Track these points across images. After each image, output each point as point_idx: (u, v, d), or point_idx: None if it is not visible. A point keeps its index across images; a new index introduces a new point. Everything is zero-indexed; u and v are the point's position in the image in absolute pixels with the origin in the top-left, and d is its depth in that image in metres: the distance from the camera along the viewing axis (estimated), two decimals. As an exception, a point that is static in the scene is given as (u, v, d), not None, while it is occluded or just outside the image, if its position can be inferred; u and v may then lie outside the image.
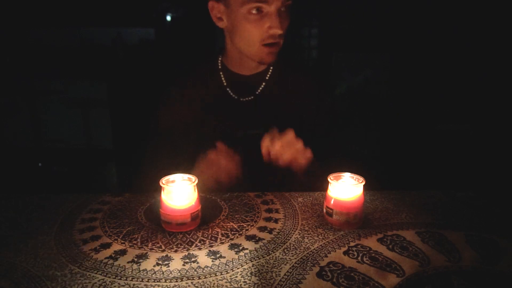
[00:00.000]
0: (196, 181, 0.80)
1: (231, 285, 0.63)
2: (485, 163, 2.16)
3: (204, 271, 0.67)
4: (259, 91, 1.12)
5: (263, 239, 0.77)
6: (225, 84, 1.12)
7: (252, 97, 1.12)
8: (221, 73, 1.12)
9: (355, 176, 0.83)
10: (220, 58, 1.14)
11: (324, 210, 0.83)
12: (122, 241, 0.76)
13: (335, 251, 0.73)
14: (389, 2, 3.01)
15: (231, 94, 1.11)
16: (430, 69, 2.90)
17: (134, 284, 0.63)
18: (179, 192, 0.79)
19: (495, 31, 2.67)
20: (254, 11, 0.95)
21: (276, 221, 0.84)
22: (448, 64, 2.84)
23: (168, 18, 3.53)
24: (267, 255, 0.71)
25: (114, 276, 0.65)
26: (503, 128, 2.47)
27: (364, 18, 3.06)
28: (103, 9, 3.27)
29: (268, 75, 1.13)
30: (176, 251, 0.73)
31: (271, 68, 1.13)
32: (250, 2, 0.95)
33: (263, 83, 1.12)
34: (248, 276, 0.65)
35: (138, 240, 0.77)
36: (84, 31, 3.38)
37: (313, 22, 3.43)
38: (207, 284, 0.63)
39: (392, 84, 3.12)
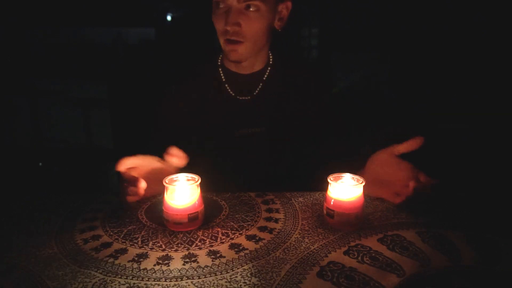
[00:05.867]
0: (199, 181, 0.80)
1: (231, 285, 0.63)
2: (485, 163, 2.16)
3: (204, 270, 0.67)
4: (257, 91, 1.12)
5: (263, 239, 0.77)
6: (223, 80, 1.12)
7: (249, 97, 1.12)
8: (220, 69, 1.13)
9: (355, 176, 0.83)
10: (220, 56, 1.14)
11: (325, 212, 0.82)
12: (123, 241, 0.76)
13: (335, 251, 0.73)
14: (389, 2, 3.01)
15: (230, 91, 1.12)
16: (429, 68, 2.90)
17: (134, 283, 0.64)
18: (179, 192, 0.79)
19: (495, 30, 2.67)
20: (219, 5, 0.99)
21: (276, 221, 0.84)
22: (448, 64, 2.85)
23: (168, 18, 3.53)
24: (267, 255, 0.71)
25: (114, 275, 0.65)
26: (503, 128, 2.47)
27: (363, 18, 3.06)
28: (103, 9, 3.27)
29: (265, 76, 1.13)
30: (176, 250, 0.73)
31: (269, 68, 1.13)
32: None
33: (261, 84, 1.12)
34: (248, 276, 0.65)
35: (139, 239, 0.77)
36: (85, 31, 3.39)
37: (313, 22, 3.43)
38: (207, 284, 0.63)
39: (391, 83, 3.13)
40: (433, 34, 2.86)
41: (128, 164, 0.83)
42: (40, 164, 3.08)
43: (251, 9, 0.98)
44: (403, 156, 0.89)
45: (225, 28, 0.98)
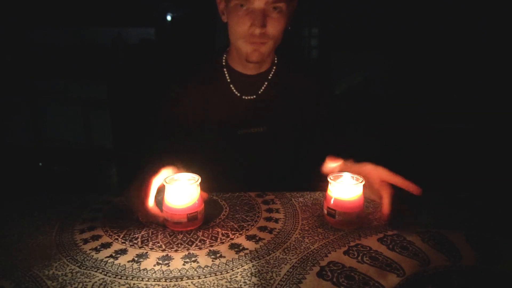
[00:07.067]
0: (199, 181, 0.80)
1: (231, 285, 0.63)
2: (485, 163, 2.16)
3: (204, 270, 0.67)
4: (261, 91, 1.12)
5: (263, 239, 0.77)
6: (228, 80, 1.12)
7: (254, 96, 1.12)
8: (224, 69, 1.13)
9: (355, 176, 0.83)
10: (224, 56, 1.14)
11: (325, 211, 0.82)
12: (123, 241, 0.76)
13: (335, 251, 0.73)
14: (389, 2, 3.01)
15: (234, 91, 1.12)
16: (429, 68, 2.90)
17: (134, 283, 0.64)
18: (179, 192, 0.79)
19: (495, 30, 2.67)
20: (239, 6, 0.97)
21: (276, 221, 0.84)
22: (448, 64, 2.84)
23: (168, 18, 3.53)
24: (267, 255, 0.71)
25: (114, 275, 0.65)
26: (503, 128, 2.47)
27: (364, 18, 3.06)
28: (103, 9, 3.27)
29: (270, 75, 1.13)
30: (176, 250, 0.73)
31: (274, 68, 1.14)
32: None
33: (266, 83, 1.12)
34: (248, 276, 0.65)
35: (139, 239, 0.77)
36: (85, 31, 3.39)
37: (313, 22, 3.43)
38: (207, 284, 0.63)
39: (391, 83, 3.13)
40: (433, 34, 2.86)
41: (153, 196, 0.80)
42: (40, 164, 3.08)
43: (275, 10, 0.97)
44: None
45: (251, 31, 0.97)
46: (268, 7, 0.96)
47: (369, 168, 0.88)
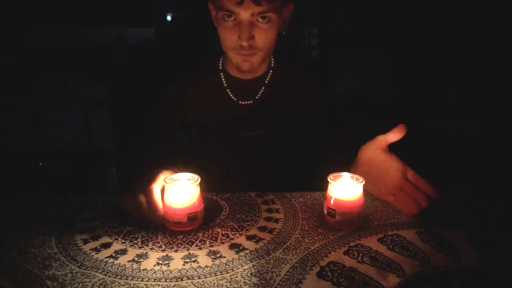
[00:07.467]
0: (199, 181, 0.80)
1: (231, 285, 0.63)
2: (485, 163, 2.16)
3: (204, 271, 0.67)
4: (258, 96, 1.12)
5: (263, 239, 0.77)
6: (225, 85, 1.12)
7: (251, 101, 1.12)
8: (221, 74, 1.12)
9: (355, 176, 0.83)
10: (221, 60, 1.14)
11: (325, 211, 0.82)
12: (123, 241, 0.76)
13: (336, 251, 0.73)
14: (389, 2, 3.02)
15: (231, 96, 1.11)
16: (429, 68, 2.90)
17: (134, 284, 0.64)
18: (178, 191, 0.79)
19: (494, 30, 2.67)
20: (226, 18, 0.96)
21: (276, 221, 0.84)
22: (447, 64, 2.85)
23: (168, 18, 3.53)
24: (267, 255, 0.71)
25: (114, 276, 0.65)
26: (503, 128, 2.47)
27: (364, 18, 3.06)
28: (103, 9, 3.27)
29: (267, 79, 1.12)
30: (176, 250, 0.73)
31: (271, 71, 1.13)
32: (220, 10, 0.96)
33: (263, 88, 1.12)
34: (248, 276, 0.65)
35: (139, 239, 0.77)
36: (85, 31, 3.39)
37: (313, 22, 3.43)
38: (207, 284, 0.63)
39: (391, 83, 3.13)
40: (433, 34, 2.87)
41: (158, 189, 0.80)
42: (40, 164, 3.08)
43: (263, 20, 0.96)
44: (393, 150, 0.89)
45: (239, 43, 0.96)
46: (256, 18, 0.95)
47: (399, 164, 0.87)
